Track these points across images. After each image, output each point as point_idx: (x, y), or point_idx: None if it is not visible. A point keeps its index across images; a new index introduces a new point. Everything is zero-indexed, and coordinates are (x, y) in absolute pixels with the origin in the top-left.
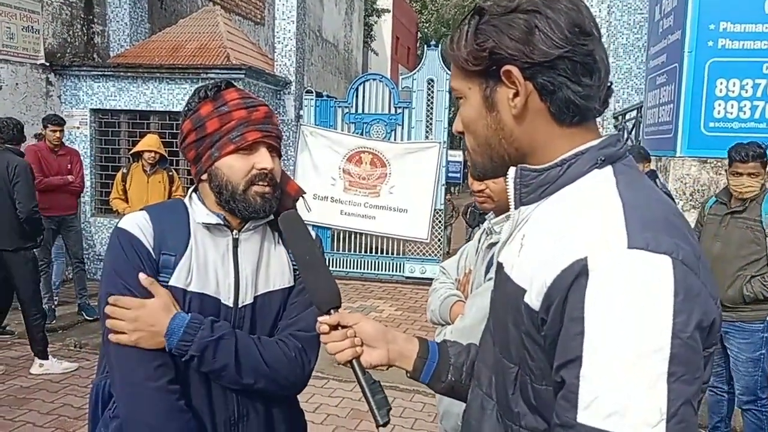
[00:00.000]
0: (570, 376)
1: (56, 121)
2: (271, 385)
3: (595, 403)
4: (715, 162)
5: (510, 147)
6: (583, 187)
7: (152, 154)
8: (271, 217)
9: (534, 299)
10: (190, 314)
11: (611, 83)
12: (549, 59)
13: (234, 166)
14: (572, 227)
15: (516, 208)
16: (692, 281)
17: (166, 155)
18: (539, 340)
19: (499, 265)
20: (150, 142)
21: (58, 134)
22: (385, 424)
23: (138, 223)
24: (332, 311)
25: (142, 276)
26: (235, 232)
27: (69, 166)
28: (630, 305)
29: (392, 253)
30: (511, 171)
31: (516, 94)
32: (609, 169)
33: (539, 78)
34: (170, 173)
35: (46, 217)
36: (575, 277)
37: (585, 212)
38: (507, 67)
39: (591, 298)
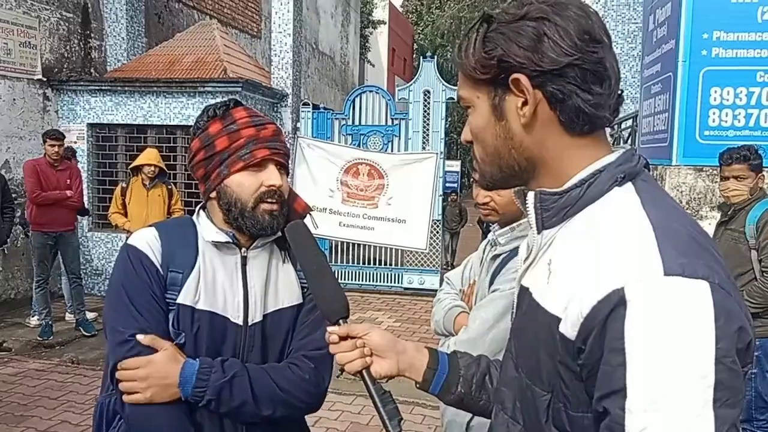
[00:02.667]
0: (614, 407)
1: (55, 136)
2: (290, 411)
3: None
4: (710, 170)
5: (520, 157)
6: (607, 207)
7: (152, 168)
8: (279, 234)
9: (569, 329)
10: (198, 360)
11: (622, 91)
12: (558, 67)
13: (243, 184)
14: (604, 254)
15: (539, 233)
16: (730, 304)
17: (165, 169)
18: (575, 368)
19: (524, 289)
20: (150, 156)
21: (57, 149)
22: None
23: (147, 240)
24: (341, 321)
25: (140, 337)
26: (243, 249)
27: (68, 181)
28: (671, 334)
29: (390, 265)
30: (530, 196)
31: (525, 103)
32: (629, 186)
33: (548, 86)
34: (169, 187)
35: (43, 232)
36: (613, 308)
37: (615, 237)
38: (515, 75)
39: (631, 329)
